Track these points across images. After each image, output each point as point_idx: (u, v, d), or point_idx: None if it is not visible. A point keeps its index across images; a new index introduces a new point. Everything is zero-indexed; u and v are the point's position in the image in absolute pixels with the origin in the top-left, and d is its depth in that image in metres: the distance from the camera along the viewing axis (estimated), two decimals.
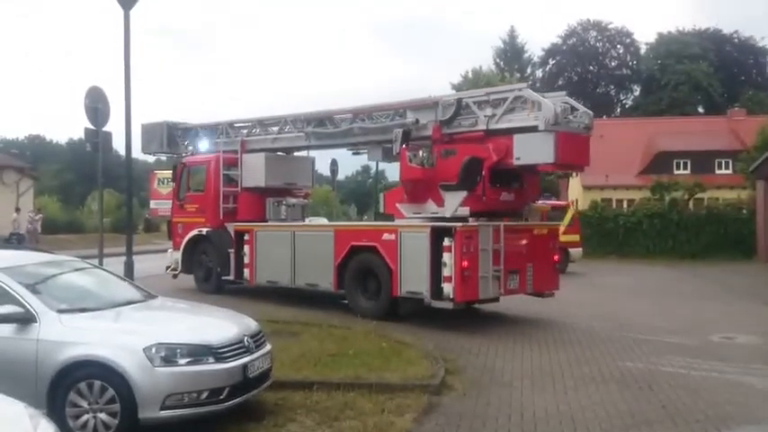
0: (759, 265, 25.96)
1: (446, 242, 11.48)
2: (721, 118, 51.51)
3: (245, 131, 16.66)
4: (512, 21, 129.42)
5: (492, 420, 7.02)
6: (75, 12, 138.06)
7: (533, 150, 11.62)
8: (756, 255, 27.60)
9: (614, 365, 9.39)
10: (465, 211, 12.08)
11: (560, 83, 68.36)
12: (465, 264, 11.34)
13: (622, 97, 73.55)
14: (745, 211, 29.85)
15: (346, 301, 13.41)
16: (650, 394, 7.99)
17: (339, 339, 10.12)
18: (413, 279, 12.02)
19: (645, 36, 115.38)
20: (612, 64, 71.02)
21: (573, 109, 12.04)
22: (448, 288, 11.44)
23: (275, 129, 16.07)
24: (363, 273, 12.98)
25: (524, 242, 12.50)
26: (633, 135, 47.17)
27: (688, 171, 43.50)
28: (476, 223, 11.81)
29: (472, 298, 11.89)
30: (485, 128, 12.25)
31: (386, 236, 12.48)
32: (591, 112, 12.40)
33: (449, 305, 11.60)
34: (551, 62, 70.38)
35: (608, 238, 30.18)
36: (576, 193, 46.78)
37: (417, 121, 13.06)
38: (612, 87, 72.12)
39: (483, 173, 12.10)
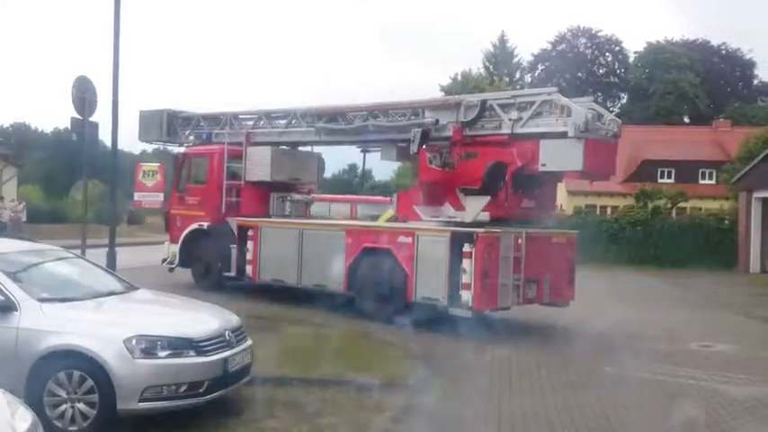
0: (739, 276, 26.21)
1: (466, 248, 11.06)
2: (706, 128, 51.95)
3: (250, 123, 16.19)
4: (502, 25, 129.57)
5: (470, 420, 7.07)
6: (65, 7, 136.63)
7: (561, 157, 11.29)
8: (737, 265, 27.85)
9: (592, 370, 9.47)
10: (485, 216, 11.80)
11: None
12: (485, 271, 10.98)
13: (610, 105, 73.95)
14: (727, 222, 30.08)
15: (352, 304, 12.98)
16: (626, 399, 8.06)
17: (321, 337, 10.16)
18: (429, 285, 11.60)
19: (634, 45, 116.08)
20: (601, 71, 71.44)
21: (599, 115, 11.83)
22: (466, 296, 11.05)
23: (282, 122, 15.64)
24: (376, 276, 12.49)
25: (544, 250, 12.17)
26: (619, 143, 47.38)
27: (672, 180, 43.86)
28: (497, 229, 11.44)
29: (491, 306, 11.52)
30: (509, 131, 11.89)
31: (402, 238, 12.03)
32: (619, 120, 12.19)
33: (467, 313, 11.14)
34: (540, 67, 70.64)
35: (591, 244, 30.28)
36: (561, 198, 46.98)
37: (437, 121, 12.67)
38: (600, 95, 72.51)
39: (506, 178, 11.82)
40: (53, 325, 6.15)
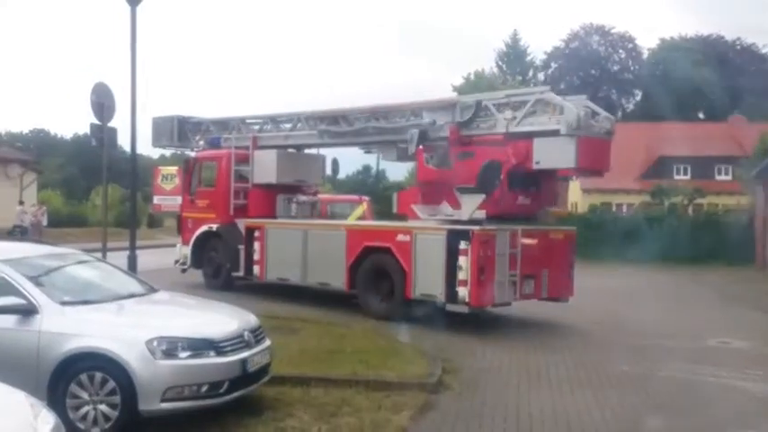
0: (756, 272, 25.99)
1: (462, 245, 11.33)
2: (722, 124, 51.57)
3: (256, 127, 16.63)
4: (514, 24, 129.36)
5: (488, 420, 7.08)
6: (82, 12, 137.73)
7: (554, 155, 11.49)
8: (755, 261, 27.63)
9: (611, 369, 9.45)
10: (481, 214, 11.98)
11: (562, 86, 68.21)
12: (481, 268, 11.19)
13: (624, 102, 73.54)
14: (744, 218, 29.86)
15: (357, 301, 13.32)
16: (646, 398, 8.06)
17: (338, 337, 10.20)
18: (427, 282, 11.90)
19: (647, 41, 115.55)
20: (615, 68, 71.05)
21: (594, 113, 11.95)
22: (463, 292, 11.31)
23: (288, 126, 16.06)
24: (376, 274, 12.85)
25: (541, 247, 12.33)
26: (634, 139, 47.14)
27: (688, 176, 43.60)
28: (493, 227, 11.64)
29: (487, 302, 11.71)
30: (504, 131, 12.11)
31: (400, 237, 12.35)
32: (612, 117, 12.31)
33: (464, 309, 11.43)
34: (553, 65, 70.36)
35: (606, 241, 30.17)
36: (576, 196, 46.84)
37: (434, 122, 12.93)
38: (614, 92, 72.11)
39: (501, 176, 12.01)
40: (75, 327, 6.22)
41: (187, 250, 16.81)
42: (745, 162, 34.66)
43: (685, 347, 11.06)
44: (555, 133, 11.44)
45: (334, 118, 14.90)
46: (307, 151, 16.78)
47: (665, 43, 66.91)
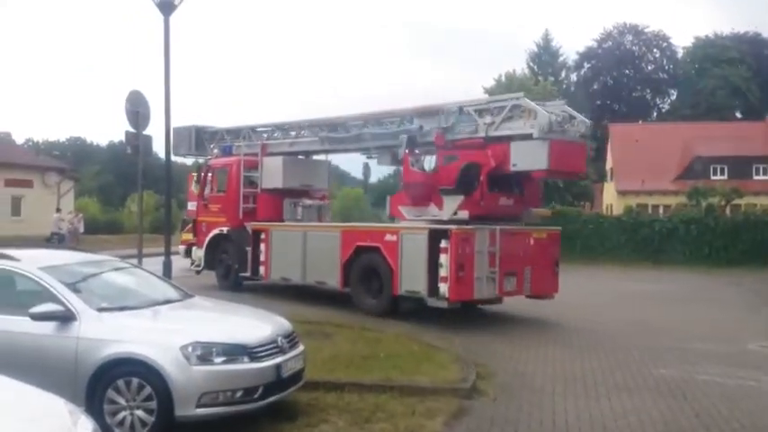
0: None
1: (443, 244, 11.92)
2: (759, 123, 50.65)
3: (265, 135, 17.37)
4: (546, 24, 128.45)
5: (523, 426, 7.01)
6: (115, 21, 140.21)
7: (528, 157, 12.09)
8: None
9: (647, 373, 9.31)
10: (464, 214, 12.51)
11: (595, 87, 67.83)
12: (460, 265, 11.77)
13: (659, 101, 72.67)
14: None
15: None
16: (684, 403, 7.91)
17: (371, 341, 10.18)
18: (412, 278, 12.46)
19: (682, 40, 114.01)
20: (649, 68, 70.18)
21: (570, 117, 12.45)
22: (443, 288, 11.91)
23: (293, 133, 16.78)
24: (367, 272, 13.46)
25: (522, 245, 12.89)
26: (669, 140, 46.59)
27: (725, 177, 42.83)
28: (471, 226, 12.18)
29: (467, 298, 12.22)
30: (484, 135, 12.73)
31: (388, 237, 12.99)
32: (588, 121, 12.85)
33: (444, 304, 12.02)
34: (586, 66, 69.76)
35: (643, 244, 29.78)
36: (611, 198, 46.37)
37: (422, 127, 13.56)
38: (649, 91, 71.27)
39: (481, 178, 12.52)
40: (112, 334, 6.29)
41: (201, 253, 17.54)
42: None
43: (724, 351, 10.86)
44: (529, 137, 11.98)
45: (333, 125, 15.61)
46: (315, 157, 17.43)
47: (700, 41, 65.97)
